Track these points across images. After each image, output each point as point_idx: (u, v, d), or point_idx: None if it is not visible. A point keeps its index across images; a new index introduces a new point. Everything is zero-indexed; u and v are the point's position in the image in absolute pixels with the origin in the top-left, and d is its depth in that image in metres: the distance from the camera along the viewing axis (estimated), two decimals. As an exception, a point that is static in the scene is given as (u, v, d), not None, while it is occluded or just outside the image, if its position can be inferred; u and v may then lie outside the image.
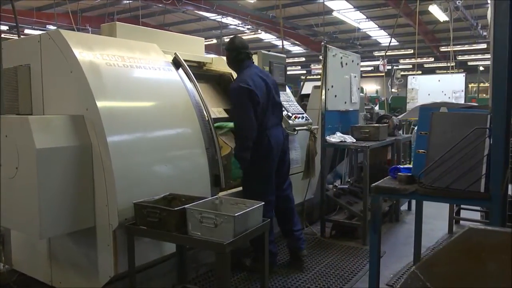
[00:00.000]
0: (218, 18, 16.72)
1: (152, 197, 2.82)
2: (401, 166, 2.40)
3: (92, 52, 2.92)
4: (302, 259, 3.88)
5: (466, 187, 2.01)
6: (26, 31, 15.10)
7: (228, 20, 16.99)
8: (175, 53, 3.61)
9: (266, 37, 20.72)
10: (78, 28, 12.18)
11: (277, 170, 3.72)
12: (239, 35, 4.46)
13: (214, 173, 3.41)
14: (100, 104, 2.74)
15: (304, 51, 24.48)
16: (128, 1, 13.74)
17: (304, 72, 28.78)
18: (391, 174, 2.38)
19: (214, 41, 18.74)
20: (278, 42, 22.87)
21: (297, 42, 22.04)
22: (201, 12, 15.92)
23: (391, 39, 8.31)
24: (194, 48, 4.36)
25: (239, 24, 17.44)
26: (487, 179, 1.99)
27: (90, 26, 13.95)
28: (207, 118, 3.53)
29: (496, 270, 1.40)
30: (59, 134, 2.66)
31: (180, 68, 3.58)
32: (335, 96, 4.84)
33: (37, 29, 14.55)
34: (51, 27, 15.15)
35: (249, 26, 17.68)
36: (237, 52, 3.66)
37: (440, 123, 2.13)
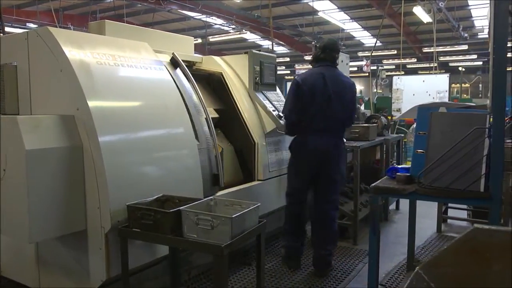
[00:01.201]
0: (203, 17, 16.62)
1: (145, 198, 2.76)
2: (399, 166, 2.40)
3: (82, 51, 2.84)
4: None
5: (466, 187, 2.02)
6: (6, 29, 14.71)
7: (213, 19, 16.92)
8: (173, 53, 3.68)
9: (250, 37, 20.69)
10: (60, 27, 11.94)
11: (319, 176, 3.70)
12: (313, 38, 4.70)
13: (213, 172, 3.48)
14: (91, 103, 2.67)
15: (288, 51, 24.53)
16: (111, 0, 13.54)
17: (289, 72, 28.88)
18: (389, 174, 2.37)
19: (199, 40, 18.62)
20: (262, 42, 22.89)
21: (282, 42, 22.07)
22: (185, 12, 15.81)
23: (376, 40, 8.37)
24: (184, 47, 4.31)
25: (223, 23, 17.37)
26: (486, 178, 2.00)
27: (72, 25, 13.69)
28: (205, 118, 3.62)
29: (501, 270, 1.39)
30: (49, 135, 2.58)
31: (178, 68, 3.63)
32: (325, 96, 4.82)
33: (16, 27, 14.20)
34: (32, 25, 14.84)
35: (233, 26, 17.62)
36: (320, 51, 3.75)
37: (439, 123, 2.13)
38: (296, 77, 3.72)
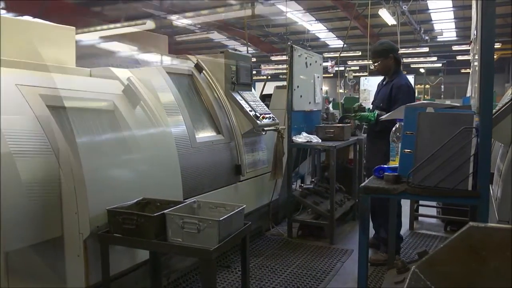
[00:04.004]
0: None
1: (125, 202, 2.66)
2: (385, 166, 2.41)
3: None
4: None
5: (454, 185, 2.05)
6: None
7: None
8: (197, 60, 4.19)
9: (216, 37, 20.56)
10: None
11: None
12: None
13: (235, 164, 4.03)
14: (67, 103, 2.54)
15: (254, 51, 24.55)
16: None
17: (255, 72, 28.87)
18: (376, 174, 2.38)
19: (164, 39, 18.28)
20: (228, 42, 22.77)
21: (248, 43, 22.04)
22: (151, 10, 15.48)
23: (344, 42, 8.50)
24: (158, 45, 4.20)
25: (190, 24, 17.16)
26: (474, 177, 2.04)
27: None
28: (229, 114, 4.14)
29: (498, 268, 1.40)
30: (21, 136, 2.43)
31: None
32: (301, 96, 4.84)
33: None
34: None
35: (199, 25, 17.43)
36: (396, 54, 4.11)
37: (427, 123, 2.16)
38: (403, 81, 4.01)
